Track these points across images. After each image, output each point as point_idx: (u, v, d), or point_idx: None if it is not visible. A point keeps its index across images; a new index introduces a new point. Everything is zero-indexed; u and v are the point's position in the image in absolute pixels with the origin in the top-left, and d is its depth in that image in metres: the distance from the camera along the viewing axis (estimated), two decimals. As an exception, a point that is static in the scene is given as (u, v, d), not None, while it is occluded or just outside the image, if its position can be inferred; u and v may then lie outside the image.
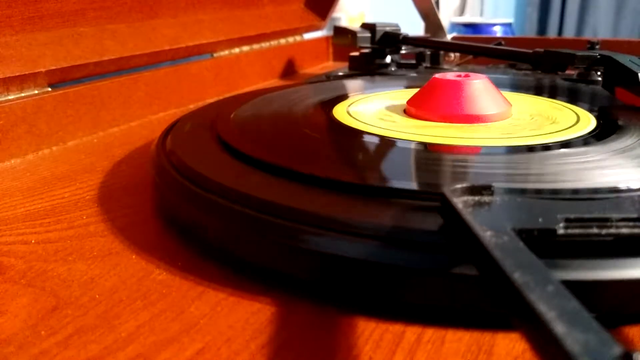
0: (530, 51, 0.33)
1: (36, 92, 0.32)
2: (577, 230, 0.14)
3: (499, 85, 0.27)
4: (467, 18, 1.60)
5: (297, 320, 0.15)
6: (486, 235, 0.12)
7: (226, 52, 0.49)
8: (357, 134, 0.24)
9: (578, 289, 0.11)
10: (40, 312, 0.16)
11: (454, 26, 1.36)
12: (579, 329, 0.09)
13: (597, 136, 0.23)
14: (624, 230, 0.14)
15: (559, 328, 0.09)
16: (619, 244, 0.14)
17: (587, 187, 0.17)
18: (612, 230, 0.14)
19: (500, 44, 0.46)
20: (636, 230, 0.14)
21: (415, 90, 0.28)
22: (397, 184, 0.18)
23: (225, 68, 0.47)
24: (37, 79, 0.32)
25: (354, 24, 0.78)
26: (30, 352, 0.14)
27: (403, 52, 0.47)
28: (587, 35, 2.01)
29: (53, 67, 0.32)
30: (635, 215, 0.14)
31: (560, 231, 0.14)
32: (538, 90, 0.34)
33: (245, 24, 0.51)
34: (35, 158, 0.30)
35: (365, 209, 0.16)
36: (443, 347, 0.14)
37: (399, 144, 0.22)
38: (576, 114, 0.27)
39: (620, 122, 0.24)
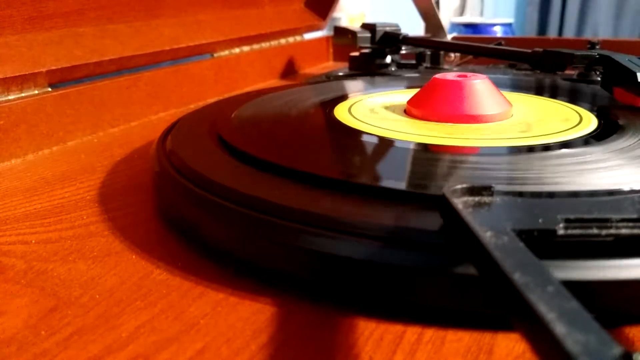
0: (530, 51, 0.33)
1: (36, 92, 0.32)
2: (577, 231, 0.14)
3: (499, 85, 0.27)
4: (467, 18, 1.60)
5: (297, 320, 0.15)
6: (486, 235, 0.12)
7: (226, 52, 0.49)
8: (358, 134, 0.24)
9: (578, 289, 0.11)
10: (41, 312, 0.16)
11: (454, 26, 1.36)
12: (579, 329, 0.09)
13: (597, 136, 0.23)
14: (624, 231, 0.14)
15: (559, 328, 0.09)
16: (619, 245, 0.14)
17: (587, 188, 0.17)
18: (612, 231, 0.14)
19: (500, 44, 0.46)
20: (636, 231, 0.14)
21: (416, 90, 0.28)
22: (397, 184, 0.18)
23: (225, 68, 0.47)
24: (38, 79, 0.32)
25: (354, 24, 0.78)
26: (31, 352, 0.14)
27: (403, 52, 0.47)
28: (588, 36, 2.01)
29: (53, 67, 0.32)
30: (634, 216, 0.14)
31: (560, 232, 0.14)
32: (538, 90, 0.34)
33: (245, 24, 0.51)
34: (36, 158, 0.30)
35: (365, 209, 0.16)
36: (443, 347, 0.14)
37: (399, 144, 0.22)
38: (578, 113, 0.27)
39: (620, 122, 0.24)
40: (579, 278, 0.14)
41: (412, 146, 0.22)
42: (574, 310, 0.09)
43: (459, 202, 0.14)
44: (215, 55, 0.47)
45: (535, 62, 0.33)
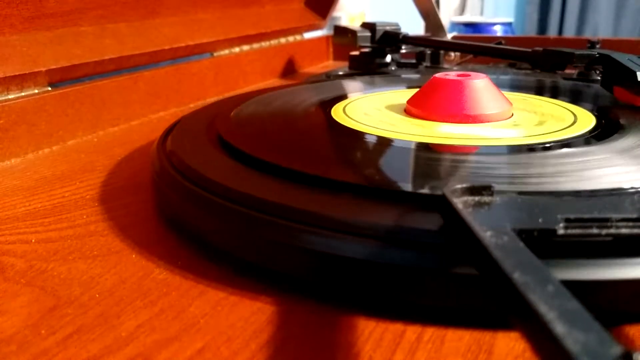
0: (530, 50, 0.33)
1: (36, 91, 0.32)
2: (577, 231, 0.14)
3: (499, 84, 0.27)
4: (468, 17, 1.59)
5: (297, 319, 0.15)
6: (486, 235, 0.12)
7: (226, 51, 0.49)
8: (357, 133, 0.24)
9: (578, 288, 0.11)
10: (40, 311, 0.16)
11: (454, 25, 1.36)
12: (579, 328, 0.09)
13: (597, 136, 0.23)
14: (624, 231, 0.14)
15: (559, 328, 0.09)
16: (619, 244, 0.14)
17: (587, 187, 0.17)
18: (612, 231, 0.14)
19: (500, 43, 0.46)
20: (636, 231, 0.14)
21: (416, 89, 0.28)
22: (397, 183, 0.18)
23: (225, 67, 0.47)
24: (37, 78, 0.32)
25: (354, 23, 0.78)
26: (31, 352, 0.14)
27: (403, 51, 0.47)
28: (588, 35, 2.01)
29: (53, 67, 0.32)
30: (634, 216, 0.14)
31: (560, 231, 0.14)
32: (538, 89, 0.34)
33: (245, 23, 0.51)
34: (36, 157, 0.30)
35: (365, 209, 0.16)
36: (443, 346, 0.14)
37: (399, 143, 0.22)
38: (574, 113, 0.27)
39: (621, 122, 0.24)
40: (578, 277, 0.14)
41: (412, 146, 0.22)
42: (574, 310, 0.09)
43: (459, 202, 0.14)
44: (215, 54, 0.47)
45: (535, 62, 0.33)
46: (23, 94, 0.31)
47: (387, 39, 0.45)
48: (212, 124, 0.26)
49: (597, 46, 0.46)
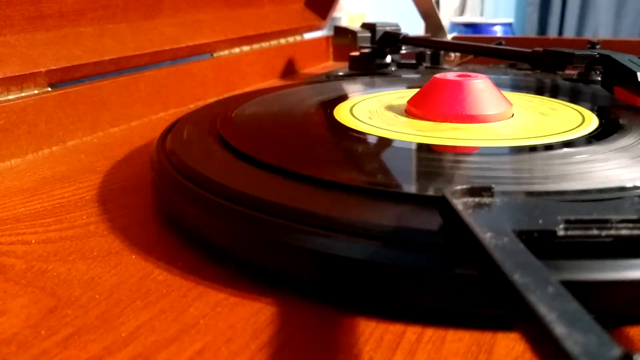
0: (530, 50, 0.33)
1: (36, 92, 0.32)
2: (577, 232, 0.14)
3: (499, 85, 0.27)
4: (468, 18, 1.60)
5: (297, 320, 0.15)
6: (486, 236, 0.12)
7: (226, 52, 0.49)
8: (358, 134, 0.24)
9: (578, 290, 0.11)
10: (40, 312, 0.16)
11: (454, 26, 1.36)
12: (579, 330, 0.09)
13: (598, 136, 0.23)
14: (624, 232, 0.14)
15: (559, 329, 0.09)
16: (619, 245, 0.14)
17: (587, 188, 0.17)
18: (612, 232, 0.14)
19: (500, 44, 0.46)
20: (636, 232, 0.14)
21: (416, 90, 0.28)
22: (397, 184, 0.18)
23: (225, 68, 0.47)
24: (37, 79, 0.32)
25: (354, 24, 0.78)
26: (30, 352, 0.14)
27: (403, 52, 0.47)
28: (588, 35, 2.01)
29: (53, 67, 0.32)
30: (634, 217, 0.14)
31: (560, 232, 0.14)
32: (539, 90, 0.34)
33: (245, 24, 0.51)
34: (35, 158, 0.30)
35: (365, 209, 0.16)
36: (443, 347, 0.14)
37: (399, 144, 0.22)
38: (580, 113, 0.27)
39: (621, 122, 0.24)
40: (579, 279, 0.14)
41: (412, 146, 0.22)
42: (574, 311, 0.09)
43: (459, 203, 0.14)
44: (215, 55, 0.47)
45: (535, 62, 0.33)
46: (23, 94, 0.31)
47: (387, 40, 0.45)
48: (212, 124, 0.26)
49: (597, 47, 0.46)
